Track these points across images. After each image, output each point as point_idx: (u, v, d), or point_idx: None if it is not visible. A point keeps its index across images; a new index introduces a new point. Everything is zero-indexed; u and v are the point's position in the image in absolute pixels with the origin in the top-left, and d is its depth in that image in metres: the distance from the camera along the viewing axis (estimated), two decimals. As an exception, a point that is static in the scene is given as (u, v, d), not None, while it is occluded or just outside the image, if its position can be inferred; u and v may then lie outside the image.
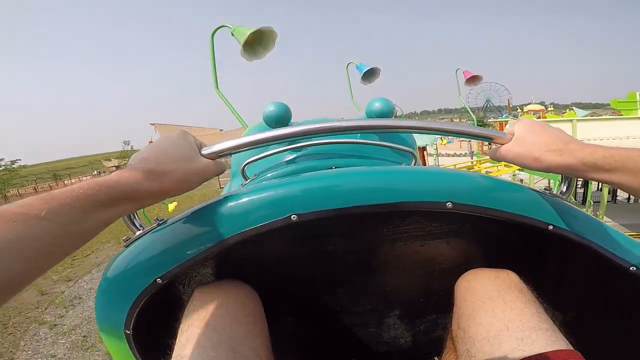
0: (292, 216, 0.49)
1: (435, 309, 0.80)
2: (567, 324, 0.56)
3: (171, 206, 3.92)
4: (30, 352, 3.17)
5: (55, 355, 3.06)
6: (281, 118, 0.83)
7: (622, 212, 4.52)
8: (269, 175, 0.86)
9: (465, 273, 0.66)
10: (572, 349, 0.47)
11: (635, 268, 0.53)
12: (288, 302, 0.76)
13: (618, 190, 4.44)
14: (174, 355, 0.49)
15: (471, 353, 0.52)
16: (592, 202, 3.79)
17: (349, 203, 0.50)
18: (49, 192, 0.36)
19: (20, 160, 31.58)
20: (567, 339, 0.49)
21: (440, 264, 0.71)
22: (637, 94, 4.59)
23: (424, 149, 7.70)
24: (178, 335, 0.52)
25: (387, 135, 0.93)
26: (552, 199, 0.55)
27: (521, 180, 5.37)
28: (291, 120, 0.86)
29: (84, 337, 3.30)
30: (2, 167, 29.79)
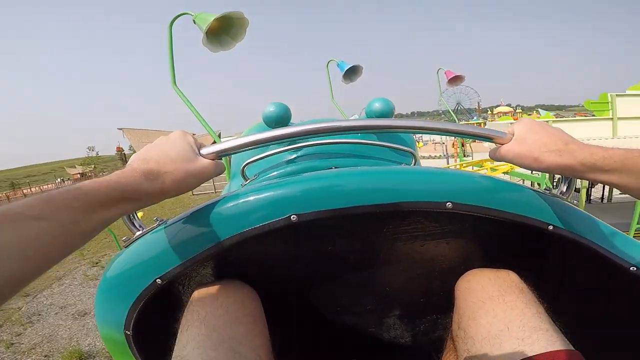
0: (292, 216, 0.49)
1: (436, 309, 0.80)
2: (567, 324, 0.55)
3: (139, 213, 3.61)
4: (-15, 372, 2.82)
5: (12, 377, 2.75)
6: (281, 118, 0.83)
7: (596, 212, 4.56)
8: (268, 175, 0.86)
9: (466, 273, 0.66)
10: (573, 349, 0.47)
11: (635, 268, 0.53)
12: (288, 302, 0.75)
13: (592, 190, 4.50)
14: (173, 355, 0.49)
15: (471, 353, 0.52)
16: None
17: (349, 203, 0.50)
18: (48, 192, 0.35)
19: (-27, 168, 29.44)
20: (567, 339, 0.49)
21: (440, 264, 0.71)
22: (609, 94, 4.71)
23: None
24: (178, 336, 0.52)
25: (387, 135, 0.92)
26: (552, 199, 0.55)
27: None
28: (291, 121, 0.86)
29: (45, 356, 3.02)
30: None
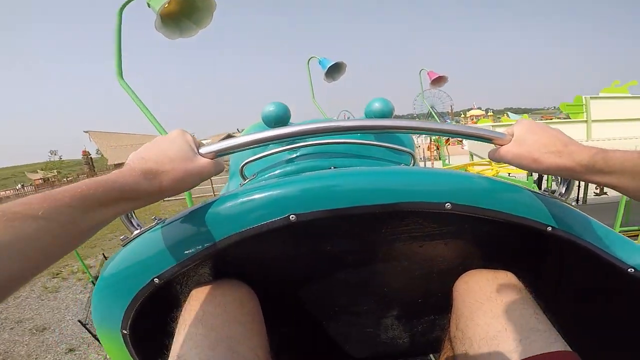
0: (291, 216, 0.49)
1: (434, 310, 0.80)
2: (565, 325, 0.55)
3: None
4: None
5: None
6: (280, 118, 0.83)
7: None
8: (267, 175, 0.86)
9: (464, 274, 0.67)
10: (570, 350, 0.47)
11: (633, 270, 0.53)
12: (286, 302, 0.75)
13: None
14: (171, 354, 0.49)
15: (469, 354, 0.53)
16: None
17: (348, 203, 0.50)
18: (47, 191, 0.35)
19: None
20: (565, 339, 0.49)
21: (438, 264, 0.71)
22: (583, 97, 4.81)
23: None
24: (175, 335, 0.52)
25: (386, 135, 0.92)
26: (551, 201, 0.55)
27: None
28: (290, 121, 0.86)
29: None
30: None
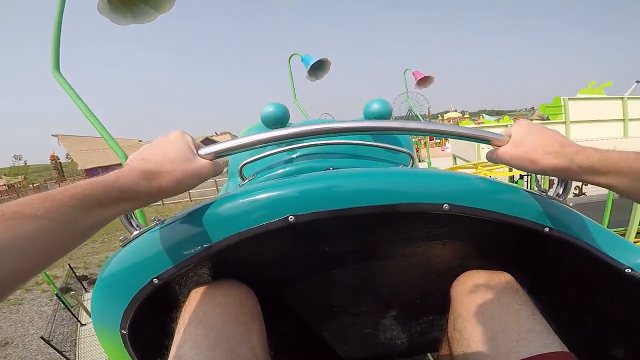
0: (290, 217, 0.49)
1: (432, 310, 0.80)
2: (562, 326, 0.55)
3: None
4: None
5: None
6: (280, 119, 0.83)
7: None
8: (266, 175, 0.85)
9: (462, 275, 0.67)
10: (567, 350, 0.47)
11: (630, 270, 0.53)
12: (285, 303, 0.75)
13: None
14: (171, 354, 0.49)
15: (467, 354, 0.53)
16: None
17: (346, 204, 0.50)
18: (47, 191, 0.35)
19: None
20: (562, 340, 0.49)
21: (436, 265, 0.71)
22: (562, 98, 4.88)
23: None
24: (175, 335, 0.52)
25: (385, 136, 0.92)
26: (548, 201, 0.56)
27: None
28: (289, 121, 0.86)
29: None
30: None
